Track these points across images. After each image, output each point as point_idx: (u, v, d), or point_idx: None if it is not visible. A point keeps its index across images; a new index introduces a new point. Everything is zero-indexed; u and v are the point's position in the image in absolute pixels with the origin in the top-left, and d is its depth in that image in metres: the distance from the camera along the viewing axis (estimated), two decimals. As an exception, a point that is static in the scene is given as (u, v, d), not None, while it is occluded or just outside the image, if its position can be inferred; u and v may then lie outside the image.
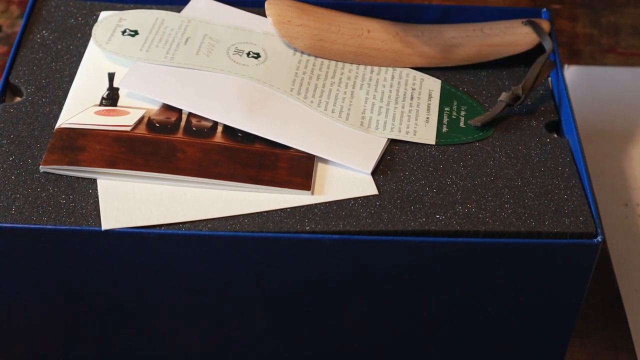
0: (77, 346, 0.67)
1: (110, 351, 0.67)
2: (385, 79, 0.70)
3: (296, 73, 0.69)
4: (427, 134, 0.67)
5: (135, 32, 0.71)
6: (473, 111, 0.69)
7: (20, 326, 0.66)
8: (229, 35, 0.71)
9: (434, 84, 0.71)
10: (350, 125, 0.66)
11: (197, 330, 0.66)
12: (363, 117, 0.67)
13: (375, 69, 0.71)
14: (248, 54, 0.70)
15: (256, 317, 0.65)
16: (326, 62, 0.71)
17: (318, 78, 0.69)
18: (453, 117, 0.68)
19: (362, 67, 0.71)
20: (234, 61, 0.69)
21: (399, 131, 0.67)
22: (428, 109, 0.69)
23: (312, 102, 0.67)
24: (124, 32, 0.71)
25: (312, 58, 0.71)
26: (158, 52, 0.69)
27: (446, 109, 0.69)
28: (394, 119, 0.67)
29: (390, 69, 0.71)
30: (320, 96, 0.68)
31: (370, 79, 0.70)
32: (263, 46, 0.71)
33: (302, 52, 0.71)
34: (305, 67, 0.70)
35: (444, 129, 0.68)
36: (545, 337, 0.66)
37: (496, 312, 0.65)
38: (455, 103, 0.69)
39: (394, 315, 0.65)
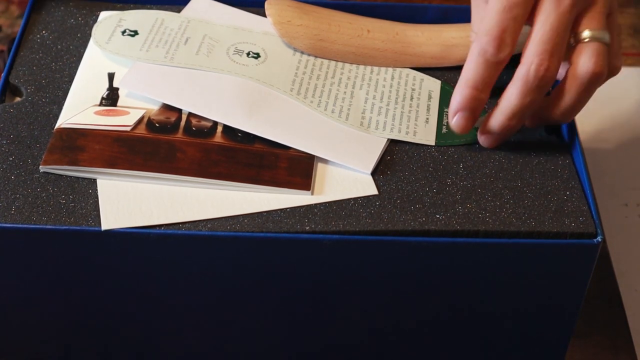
0: (77, 346, 0.67)
1: (110, 351, 0.67)
2: (385, 79, 0.70)
3: (296, 73, 0.69)
4: (427, 135, 0.67)
5: (135, 32, 0.71)
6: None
7: (20, 326, 0.66)
8: (228, 35, 0.71)
9: (433, 85, 0.71)
10: (350, 125, 0.66)
11: (197, 330, 0.66)
12: (363, 117, 0.67)
13: (375, 69, 0.71)
14: (248, 54, 0.70)
15: (256, 317, 0.65)
16: (326, 62, 0.71)
17: (318, 78, 0.69)
18: None
19: (362, 67, 0.71)
20: (234, 61, 0.69)
21: (399, 131, 0.67)
22: (428, 110, 0.69)
23: (312, 102, 0.67)
24: (123, 32, 0.71)
25: (312, 58, 0.71)
26: (158, 52, 0.69)
27: (446, 109, 0.69)
28: (393, 119, 0.67)
29: (390, 69, 0.71)
30: (320, 96, 0.68)
31: (370, 79, 0.70)
32: (263, 46, 0.71)
33: (302, 52, 0.71)
34: (305, 67, 0.70)
35: (444, 130, 0.68)
36: (545, 337, 0.66)
37: (496, 312, 0.65)
38: None
39: (393, 315, 0.65)
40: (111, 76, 0.69)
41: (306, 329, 0.66)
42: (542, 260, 0.61)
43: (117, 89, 0.68)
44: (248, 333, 0.66)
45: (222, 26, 0.72)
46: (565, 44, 0.63)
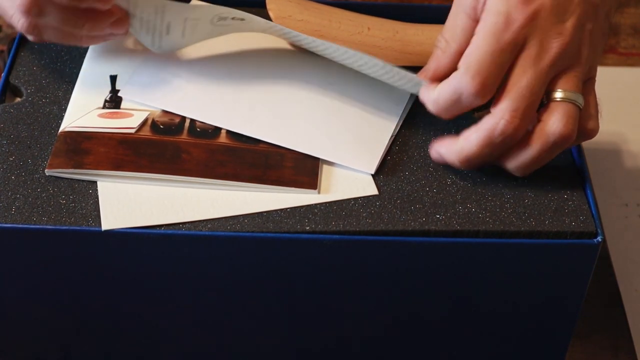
0: (77, 346, 0.67)
1: (110, 351, 0.67)
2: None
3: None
4: None
5: None
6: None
7: (20, 326, 0.66)
8: (209, 10, 0.69)
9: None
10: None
11: (197, 330, 0.66)
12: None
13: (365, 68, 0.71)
14: (233, 18, 0.68)
15: (256, 317, 0.65)
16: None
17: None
18: None
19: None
20: (220, 26, 0.68)
21: None
22: None
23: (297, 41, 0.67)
24: None
25: None
26: (145, 40, 0.68)
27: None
28: None
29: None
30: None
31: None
32: (246, 16, 0.69)
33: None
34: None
35: None
36: (545, 337, 0.66)
37: (496, 312, 0.65)
38: None
39: (394, 315, 0.65)
40: (113, 79, 0.68)
41: (306, 328, 0.66)
42: (542, 260, 0.61)
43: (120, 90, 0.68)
44: (248, 332, 0.66)
45: (200, 5, 0.70)
46: (537, 104, 0.61)
